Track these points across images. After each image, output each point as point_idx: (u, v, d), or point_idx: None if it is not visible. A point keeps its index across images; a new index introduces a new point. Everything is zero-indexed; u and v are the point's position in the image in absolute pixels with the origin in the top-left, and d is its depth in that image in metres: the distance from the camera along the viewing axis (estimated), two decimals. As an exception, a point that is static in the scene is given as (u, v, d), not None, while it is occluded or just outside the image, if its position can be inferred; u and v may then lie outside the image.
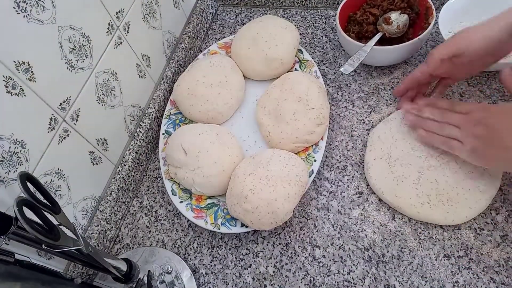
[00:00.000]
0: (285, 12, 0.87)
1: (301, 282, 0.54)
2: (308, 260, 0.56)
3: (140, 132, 0.69)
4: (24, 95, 0.46)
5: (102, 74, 0.59)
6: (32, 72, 0.46)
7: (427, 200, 0.55)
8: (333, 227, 0.57)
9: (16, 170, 0.46)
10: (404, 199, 0.56)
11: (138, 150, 0.68)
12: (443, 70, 0.58)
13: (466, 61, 0.54)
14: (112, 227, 0.63)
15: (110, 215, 0.62)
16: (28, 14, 0.45)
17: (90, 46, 0.56)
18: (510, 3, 0.66)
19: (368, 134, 0.65)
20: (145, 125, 0.70)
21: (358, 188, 0.60)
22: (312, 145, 0.62)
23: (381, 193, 0.58)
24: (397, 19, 0.67)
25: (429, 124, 0.57)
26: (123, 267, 0.52)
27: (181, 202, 0.61)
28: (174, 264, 0.57)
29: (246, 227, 0.56)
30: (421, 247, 0.53)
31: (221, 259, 0.59)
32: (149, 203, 0.67)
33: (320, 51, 0.78)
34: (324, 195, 0.61)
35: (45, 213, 0.39)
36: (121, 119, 0.65)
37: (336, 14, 0.70)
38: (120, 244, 0.64)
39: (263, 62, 0.69)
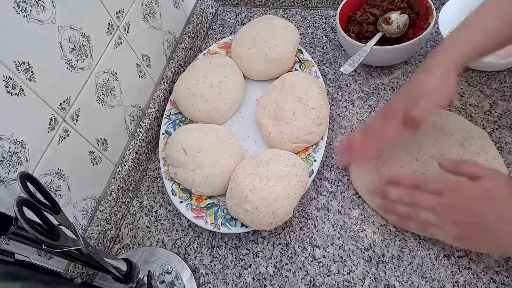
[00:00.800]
0: (285, 12, 0.87)
1: (301, 282, 0.54)
2: (308, 260, 0.56)
3: (140, 132, 0.69)
4: (24, 95, 0.46)
5: (102, 74, 0.59)
6: (32, 72, 0.46)
7: None
8: (333, 227, 0.57)
9: (16, 170, 0.46)
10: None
11: (138, 150, 0.68)
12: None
13: None
14: (112, 227, 0.63)
15: (110, 215, 0.62)
16: (28, 14, 0.45)
17: (90, 46, 0.56)
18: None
19: (368, 134, 0.65)
20: (145, 125, 0.70)
21: (358, 188, 0.60)
22: (312, 145, 0.62)
23: (364, 197, 0.58)
24: (397, 19, 0.67)
25: (399, 208, 0.51)
26: (123, 267, 0.52)
27: (181, 202, 0.61)
28: (174, 264, 0.57)
29: (246, 227, 0.56)
30: (421, 247, 0.53)
31: (221, 259, 0.59)
32: (149, 203, 0.67)
33: (320, 51, 0.78)
34: (324, 195, 0.61)
35: (45, 213, 0.39)
36: (121, 119, 0.65)
37: (336, 14, 0.70)
38: (120, 244, 0.64)
39: (263, 62, 0.69)
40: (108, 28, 0.59)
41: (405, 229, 0.54)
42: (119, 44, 0.62)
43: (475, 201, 0.46)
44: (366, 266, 0.53)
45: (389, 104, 0.54)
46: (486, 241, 0.46)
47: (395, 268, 0.52)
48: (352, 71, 0.68)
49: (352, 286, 0.52)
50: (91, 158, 0.59)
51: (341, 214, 0.58)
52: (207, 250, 0.60)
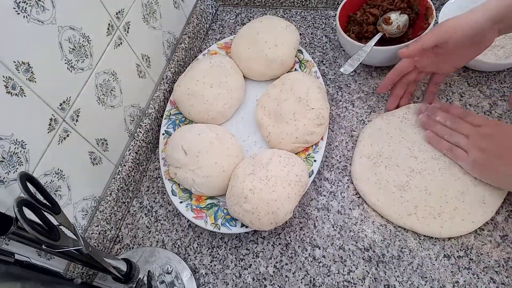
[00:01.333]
0: (285, 12, 0.87)
1: (301, 282, 0.54)
2: (308, 260, 0.56)
3: (140, 132, 0.69)
4: (24, 95, 0.46)
5: (102, 74, 0.59)
6: (32, 72, 0.46)
7: (413, 211, 0.54)
8: (333, 227, 0.57)
9: (16, 170, 0.46)
10: (388, 205, 0.55)
11: (138, 150, 0.68)
12: (427, 61, 0.58)
13: (449, 50, 0.55)
14: (112, 227, 0.63)
15: (110, 215, 0.62)
16: (28, 14, 0.45)
17: (90, 46, 0.56)
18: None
19: (368, 134, 0.65)
20: (145, 125, 0.70)
21: (358, 188, 0.60)
22: (312, 146, 0.62)
23: (363, 195, 0.58)
24: (397, 19, 0.67)
25: (438, 128, 0.58)
26: (123, 267, 0.52)
27: (181, 202, 0.61)
28: (174, 264, 0.57)
29: (246, 227, 0.56)
30: (421, 247, 0.53)
31: (221, 259, 0.59)
32: (149, 203, 0.67)
33: (320, 51, 0.78)
34: (324, 195, 0.61)
35: (45, 213, 0.39)
36: (121, 119, 0.65)
37: (336, 14, 0.70)
38: (120, 244, 0.64)
39: (263, 62, 0.69)
40: (108, 29, 0.59)
41: (436, 147, 0.58)
42: (119, 45, 0.62)
43: (506, 135, 0.51)
44: (366, 266, 0.53)
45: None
46: (499, 169, 0.50)
47: (395, 268, 0.52)
48: (352, 71, 0.68)
49: (352, 286, 0.52)
50: (91, 158, 0.59)
51: (341, 214, 0.58)
52: (207, 250, 0.60)
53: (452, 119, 0.57)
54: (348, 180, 0.61)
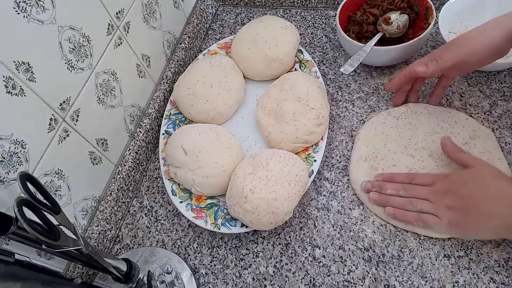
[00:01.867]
0: (285, 12, 0.87)
1: (301, 282, 0.54)
2: (308, 260, 0.56)
3: (140, 132, 0.69)
4: (24, 95, 0.46)
5: (102, 74, 0.59)
6: (32, 72, 0.46)
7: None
8: (333, 227, 0.57)
9: (16, 170, 0.46)
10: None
11: (138, 150, 0.68)
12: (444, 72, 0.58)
13: (467, 66, 0.55)
14: (112, 227, 0.63)
15: (110, 215, 0.62)
16: (28, 14, 0.45)
17: (90, 46, 0.56)
18: (509, 3, 0.67)
19: (368, 134, 0.65)
20: (145, 125, 0.70)
21: (358, 188, 0.60)
22: (312, 145, 0.62)
23: (363, 200, 0.58)
24: (397, 19, 0.67)
25: (396, 200, 0.54)
26: (123, 267, 0.52)
27: (181, 202, 0.61)
28: (174, 264, 0.57)
29: (246, 227, 0.56)
30: (421, 247, 0.53)
31: (221, 259, 0.59)
32: (149, 203, 0.67)
33: (320, 51, 0.78)
34: (324, 195, 0.61)
35: (45, 213, 0.39)
36: (121, 119, 0.65)
37: (336, 14, 0.70)
38: (120, 244, 0.64)
39: (263, 62, 0.69)
40: (108, 28, 0.59)
41: (403, 221, 0.54)
42: (119, 44, 0.62)
43: (464, 184, 0.49)
44: (366, 266, 0.53)
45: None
46: (477, 223, 0.48)
47: (395, 268, 0.52)
48: (352, 71, 0.68)
49: (352, 286, 0.52)
50: (91, 158, 0.59)
51: (341, 214, 0.58)
52: (207, 250, 0.60)
53: (403, 187, 0.54)
54: (348, 180, 0.61)
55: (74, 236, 0.42)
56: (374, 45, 0.64)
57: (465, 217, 0.48)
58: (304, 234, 0.58)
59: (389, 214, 0.55)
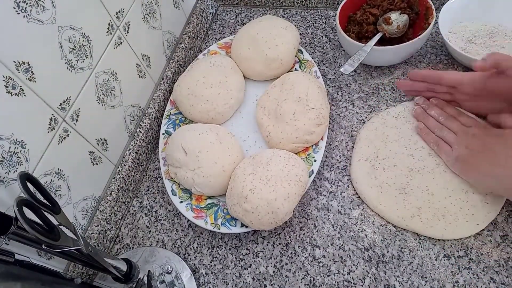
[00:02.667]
0: (285, 12, 0.87)
1: (301, 282, 0.54)
2: (308, 260, 0.56)
3: (140, 132, 0.69)
4: (24, 95, 0.46)
5: (102, 74, 0.59)
6: (32, 72, 0.46)
7: (417, 213, 0.54)
8: (333, 227, 0.57)
9: (16, 170, 0.46)
10: (390, 209, 0.55)
11: (138, 150, 0.68)
12: (472, 87, 0.56)
13: (505, 88, 0.53)
14: (112, 227, 0.63)
15: (110, 215, 0.62)
16: (28, 14, 0.45)
17: (90, 46, 0.56)
18: (509, 3, 0.67)
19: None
20: (145, 125, 0.70)
21: (358, 188, 0.60)
22: (312, 145, 0.62)
23: (364, 198, 0.58)
24: (397, 19, 0.67)
25: (430, 122, 0.59)
26: (123, 267, 0.52)
27: (181, 202, 0.61)
28: (174, 264, 0.57)
29: (246, 227, 0.56)
30: (421, 247, 0.53)
31: (221, 259, 0.59)
32: (149, 203, 0.67)
33: (320, 51, 0.78)
34: (324, 195, 0.61)
35: (45, 213, 0.39)
36: (121, 119, 0.65)
37: (336, 14, 0.70)
38: (120, 244, 0.64)
39: (263, 62, 0.69)
40: (108, 28, 0.59)
41: (423, 139, 0.59)
42: (119, 44, 0.62)
43: (493, 137, 0.51)
44: (366, 266, 0.53)
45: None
46: (482, 169, 0.51)
47: (395, 268, 0.52)
48: (352, 71, 0.68)
49: (352, 286, 0.52)
50: (91, 158, 0.59)
51: (341, 214, 0.58)
52: (207, 250, 0.60)
53: (445, 116, 0.58)
54: (348, 180, 0.61)
55: (74, 236, 0.42)
56: (374, 45, 0.64)
57: (475, 160, 0.51)
58: (304, 234, 0.58)
59: (417, 128, 0.60)
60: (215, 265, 0.58)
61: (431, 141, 0.58)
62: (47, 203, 0.41)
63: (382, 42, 0.68)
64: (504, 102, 0.54)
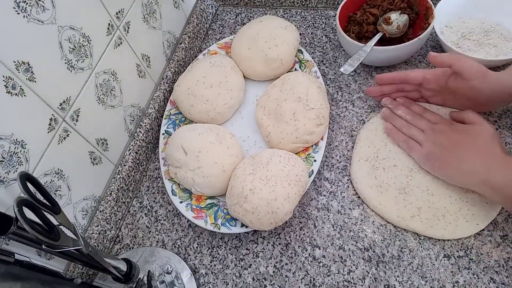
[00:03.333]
0: (285, 12, 0.87)
1: (301, 282, 0.54)
2: (308, 260, 0.56)
3: (140, 132, 0.69)
4: (24, 95, 0.46)
5: (102, 74, 0.59)
6: (32, 72, 0.46)
7: (417, 213, 0.54)
8: (333, 227, 0.57)
9: (16, 170, 0.46)
10: (390, 209, 0.55)
11: (138, 150, 0.68)
12: (436, 84, 0.58)
13: (463, 88, 0.55)
14: (112, 227, 0.63)
15: (110, 215, 0.62)
16: (28, 14, 0.45)
17: (90, 46, 0.56)
18: (509, 3, 0.67)
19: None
20: (145, 125, 0.70)
21: (358, 188, 0.60)
22: (312, 145, 0.62)
23: (364, 198, 0.58)
24: (397, 19, 0.67)
25: (398, 122, 0.60)
26: (123, 267, 0.52)
27: (181, 202, 0.61)
28: (174, 264, 0.57)
29: (246, 227, 0.56)
30: (421, 247, 0.53)
31: (221, 259, 0.59)
32: (149, 203, 0.67)
33: (320, 51, 0.78)
34: (324, 195, 0.61)
35: (45, 213, 0.39)
36: (121, 119, 0.65)
37: (336, 14, 0.70)
38: (120, 244, 0.64)
39: (263, 62, 0.69)
40: (108, 28, 0.59)
41: (392, 138, 0.61)
42: (119, 44, 0.62)
43: (459, 133, 0.53)
44: (366, 266, 0.53)
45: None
46: (451, 164, 0.52)
47: (395, 268, 0.52)
48: (352, 71, 0.68)
49: (352, 286, 0.52)
50: (91, 158, 0.59)
51: (341, 214, 0.58)
52: (207, 250, 0.60)
53: (411, 115, 0.60)
54: (348, 180, 0.61)
55: (74, 236, 0.42)
56: (374, 45, 0.64)
57: (444, 156, 0.53)
58: (304, 234, 0.58)
59: (385, 129, 0.61)
60: (215, 265, 0.58)
61: (401, 140, 0.59)
62: (47, 203, 0.41)
63: (382, 42, 0.68)
64: (465, 99, 0.56)
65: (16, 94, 0.45)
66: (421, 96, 0.62)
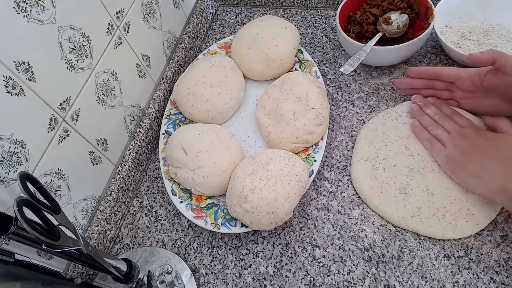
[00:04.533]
0: (285, 12, 0.87)
1: (301, 282, 0.54)
2: (308, 260, 0.56)
3: (140, 132, 0.69)
4: (24, 95, 0.46)
5: (102, 74, 0.59)
6: (32, 72, 0.46)
7: (417, 213, 0.54)
8: (333, 227, 0.57)
9: (16, 170, 0.46)
10: (390, 209, 0.55)
11: (138, 150, 0.68)
12: (471, 83, 0.56)
13: (502, 86, 0.53)
14: (112, 227, 0.63)
15: (110, 215, 0.62)
16: (28, 14, 0.45)
17: (90, 46, 0.56)
18: (509, 3, 0.67)
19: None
20: (145, 125, 0.70)
21: (358, 188, 0.60)
22: (312, 145, 0.62)
23: (364, 198, 0.58)
24: (397, 19, 0.67)
25: (425, 119, 0.59)
26: (123, 267, 0.52)
27: (181, 202, 0.61)
28: (174, 264, 0.57)
29: (246, 227, 0.56)
30: (421, 247, 0.53)
31: (221, 259, 0.59)
32: (149, 203, 0.67)
33: (320, 51, 0.78)
34: (324, 195, 0.61)
35: (45, 213, 0.39)
36: (121, 119, 0.65)
37: (336, 14, 0.70)
38: (120, 244, 0.64)
39: (263, 62, 0.69)
40: (108, 28, 0.59)
41: (416, 136, 0.60)
42: (119, 44, 0.62)
43: (486, 140, 0.52)
44: (366, 266, 0.53)
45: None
46: (472, 170, 0.51)
47: (395, 268, 0.52)
48: (352, 71, 0.68)
49: (352, 286, 0.52)
50: (91, 158, 0.59)
51: (341, 214, 0.58)
52: (207, 250, 0.60)
53: (440, 115, 0.59)
54: (348, 180, 0.61)
55: (74, 236, 0.42)
56: (374, 45, 0.64)
57: (464, 160, 0.52)
58: (304, 234, 0.58)
59: (411, 125, 0.61)
60: (215, 265, 0.58)
61: (425, 139, 0.58)
62: (47, 203, 0.41)
63: (382, 42, 0.68)
64: (501, 100, 0.55)
65: (16, 94, 0.45)
66: (451, 97, 0.60)
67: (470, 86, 0.57)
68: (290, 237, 0.58)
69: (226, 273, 0.57)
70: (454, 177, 0.54)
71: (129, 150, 0.67)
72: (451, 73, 0.58)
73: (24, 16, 0.45)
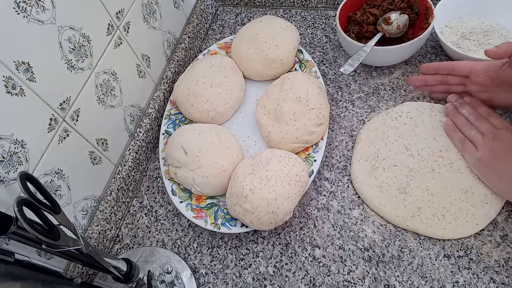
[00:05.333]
0: (285, 12, 0.87)
1: (301, 282, 0.54)
2: (308, 260, 0.56)
3: (140, 132, 0.69)
4: (24, 95, 0.46)
5: (102, 74, 0.59)
6: (32, 72, 0.46)
7: (417, 213, 0.54)
8: (333, 227, 0.57)
9: (16, 170, 0.46)
10: (390, 209, 0.55)
11: (138, 150, 0.68)
12: (486, 75, 0.55)
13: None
14: (112, 227, 0.63)
15: (110, 215, 0.62)
16: (28, 14, 0.45)
17: (90, 46, 0.56)
18: (509, 3, 0.67)
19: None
20: (145, 125, 0.70)
21: (358, 188, 0.60)
22: (312, 145, 0.62)
23: (364, 198, 0.58)
24: (397, 19, 0.67)
25: (460, 120, 0.58)
26: (123, 267, 0.52)
27: (181, 202, 0.61)
28: (174, 264, 0.57)
29: (246, 227, 0.56)
30: (421, 247, 0.53)
31: (221, 259, 0.59)
32: (149, 203, 0.67)
33: (320, 51, 0.78)
34: (324, 195, 0.61)
35: (45, 213, 0.39)
36: (121, 119, 0.65)
37: (336, 14, 0.70)
38: (120, 244, 0.64)
39: (263, 62, 0.69)
40: (108, 28, 0.59)
41: (449, 135, 0.59)
42: (119, 44, 0.62)
43: None
44: (366, 266, 0.53)
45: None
46: (501, 171, 0.51)
47: (395, 268, 0.52)
48: (352, 71, 0.68)
49: (352, 286, 0.52)
50: (91, 158, 0.59)
51: (341, 214, 0.58)
52: (207, 250, 0.60)
53: (476, 115, 0.57)
54: (348, 180, 0.61)
55: (74, 236, 0.42)
56: (374, 45, 0.64)
57: (496, 164, 0.51)
58: (304, 234, 0.58)
59: (444, 124, 0.60)
60: (215, 265, 0.58)
61: (457, 139, 0.57)
62: (47, 203, 0.41)
63: (382, 42, 0.68)
64: None
65: (16, 94, 0.45)
66: (466, 91, 0.59)
67: (485, 80, 0.56)
68: (290, 237, 0.58)
69: (226, 273, 0.57)
70: (484, 180, 0.54)
71: (129, 150, 0.67)
72: (465, 66, 0.57)
73: (24, 16, 0.45)
